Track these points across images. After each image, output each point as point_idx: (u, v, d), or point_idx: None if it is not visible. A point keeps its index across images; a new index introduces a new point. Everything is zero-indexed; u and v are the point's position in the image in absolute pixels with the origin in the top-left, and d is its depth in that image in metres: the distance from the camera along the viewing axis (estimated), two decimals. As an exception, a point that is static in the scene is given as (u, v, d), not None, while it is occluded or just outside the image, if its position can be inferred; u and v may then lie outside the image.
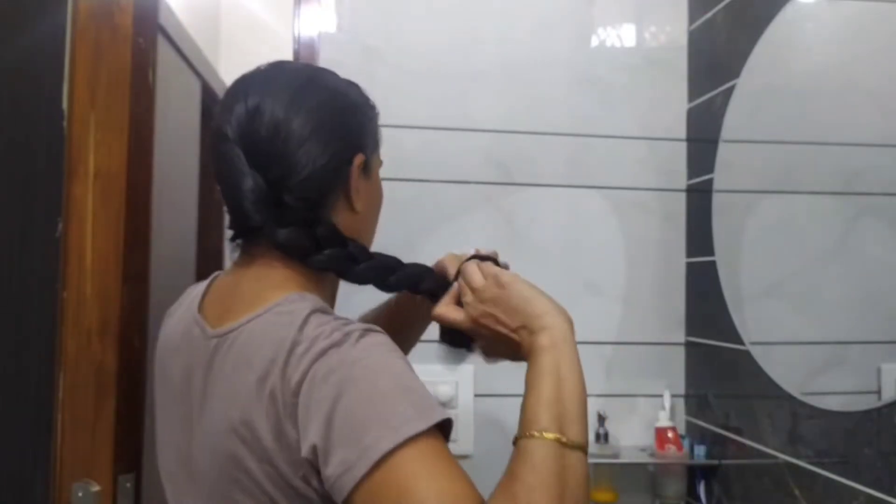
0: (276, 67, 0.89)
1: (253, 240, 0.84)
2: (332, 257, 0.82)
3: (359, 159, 0.86)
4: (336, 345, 0.70)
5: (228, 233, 0.85)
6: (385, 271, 0.86)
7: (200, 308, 0.87)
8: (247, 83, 0.86)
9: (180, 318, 0.90)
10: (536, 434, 0.70)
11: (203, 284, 0.92)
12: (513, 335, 0.82)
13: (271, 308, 0.77)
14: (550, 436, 0.70)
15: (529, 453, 0.70)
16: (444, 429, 0.69)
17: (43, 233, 1.25)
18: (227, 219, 0.85)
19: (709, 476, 1.68)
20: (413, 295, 0.94)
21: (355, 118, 0.88)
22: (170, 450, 0.87)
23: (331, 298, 0.89)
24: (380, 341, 0.73)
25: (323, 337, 0.71)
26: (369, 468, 0.63)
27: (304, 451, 0.68)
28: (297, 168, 0.80)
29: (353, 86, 0.90)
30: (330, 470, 0.66)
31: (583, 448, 0.72)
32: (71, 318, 1.25)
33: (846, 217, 1.32)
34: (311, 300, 0.78)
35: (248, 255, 0.85)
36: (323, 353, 0.69)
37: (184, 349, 0.85)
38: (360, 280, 0.84)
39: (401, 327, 1.05)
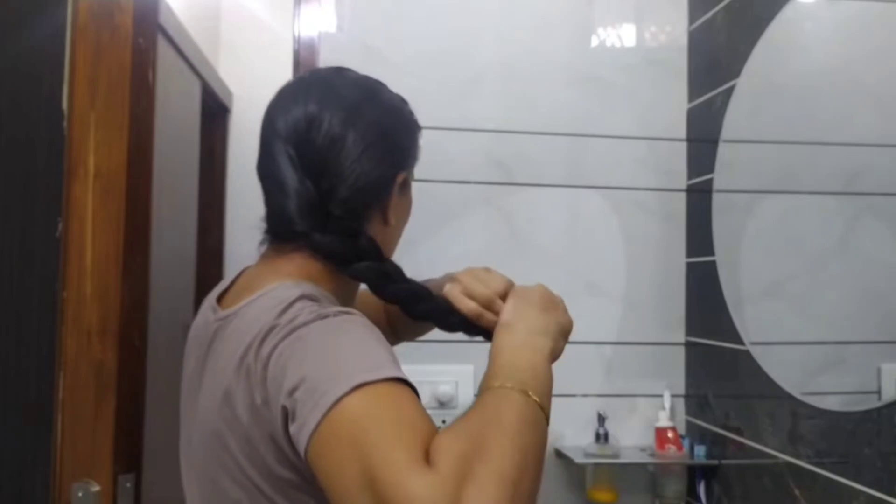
0: (339, 76, 0.91)
1: (286, 239, 0.85)
2: (370, 269, 0.84)
3: (401, 177, 0.89)
4: (307, 323, 0.72)
5: (261, 225, 0.87)
6: (415, 298, 0.87)
7: (222, 298, 0.89)
8: (308, 87, 0.88)
9: (203, 309, 0.92)
10: (530, 394, 0.71)
11: (232, 276, 0.94)
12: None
13: (265, 293, 0.79)
14: (536, 398, 0.71)
15: (514, 402, 0.70)
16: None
17: (43, 233, 1.25)
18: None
19: (709, 476, 1.68)
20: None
21: (404, 137, 0.92)
22: (182, 440, 0.89)
23: (350, 294, 0.90)
24: (352, 319, 0.75)
25: (298, 318, 0.73)
26: (320, 419, 0.63)
27: (274, 421, 0.70)
28: (348, 181, 0.83)
29: (404, 103, 0.94)
30: (292, 430, 0.67)
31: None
32: (71, 318, 1.25)
33: (846, 217, 1.32)
34: (303, 287, 0.79)
35: (273, 251, 0.87)
36: (293, 330, 0.71)
37: (198, 337, 0.87)
38: (389, 298, 0.86)
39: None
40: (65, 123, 1.26)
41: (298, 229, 0.82)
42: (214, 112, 2.47)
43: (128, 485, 1.27)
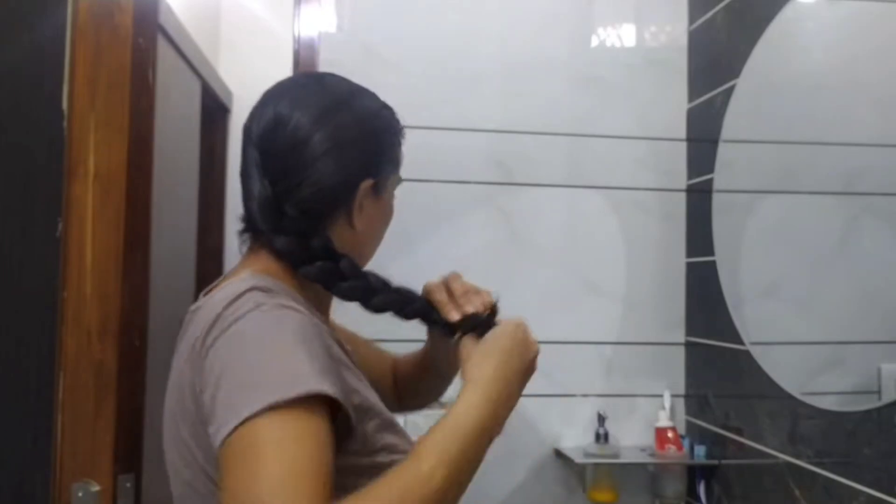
0: (317, 81, 0.91)
1: (254, 238, 0.87)
2: (321, 270, 0.84)
3: (367, 183, 0.87)
4: (244, 314, 0.73)
5: (239, 225, 0.88)
6: (370, 292, 0.86)
7: (209, 294, 0.89)
8: (283, 90, 0.89)
9: None
10: (449, 471, 0.70)
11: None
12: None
13: (225, 285, 0.80)
14: (452, 477, 0.70)
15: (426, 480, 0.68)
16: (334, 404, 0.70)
17: (43, 233, 1.25)
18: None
19: (709, 476, 1.68)
20: (445, 342, 0.93)
21: (377, 142, 0.90)
22: None
23: (319, 295, 0.89)
24: (286, 316, 0.74)
25: (239, 310, 0.74)
26: (229, 432, 0.66)
27: (203, 411, 0.72)
28: (305, 183, 0.83)
29: (386, 109, 0.92)
30: (210, 430, 0.69)
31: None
32: (71, 318, 1.25)
33: (846, 217, 1.32)
34: (257, 279, 0.79)
35: (248, 249, 0.89)
36: (232, 323, 0.73)
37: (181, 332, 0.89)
38: (344, 296, 0.86)
39: (430, 367, 1.05)
40: (65, 123, 1.26)
41: (258, 227, 0.83)
42: (214, 112, 2.46)
43: (128, 485, 1.27)
